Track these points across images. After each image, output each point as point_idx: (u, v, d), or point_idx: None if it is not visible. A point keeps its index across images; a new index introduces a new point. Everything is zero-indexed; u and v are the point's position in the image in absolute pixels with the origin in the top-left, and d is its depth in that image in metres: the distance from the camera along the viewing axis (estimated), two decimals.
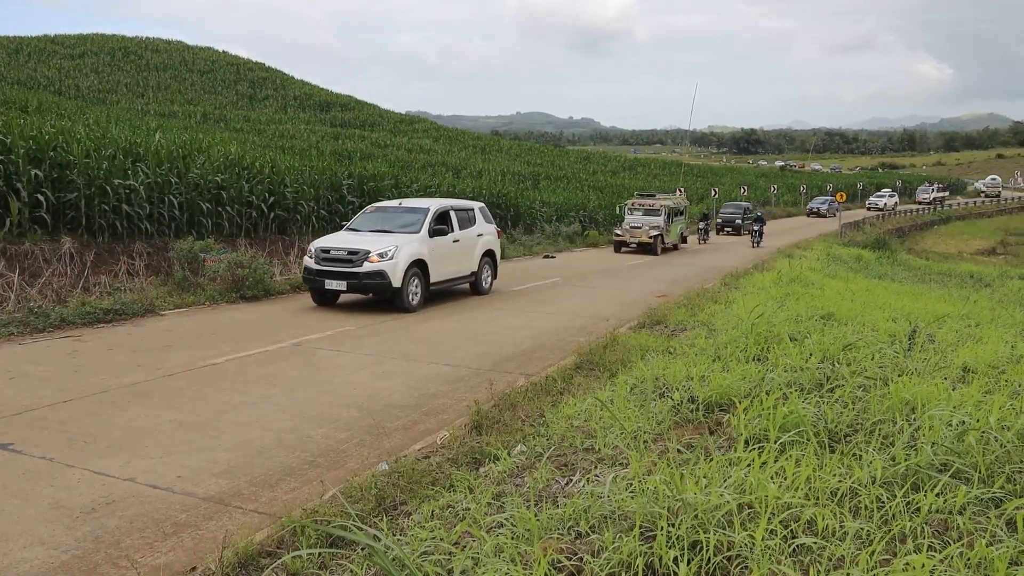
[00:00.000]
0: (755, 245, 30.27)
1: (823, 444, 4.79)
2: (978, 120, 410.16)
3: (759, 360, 7.52)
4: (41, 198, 13.76)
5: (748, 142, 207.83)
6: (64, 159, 14.31)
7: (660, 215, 27.79)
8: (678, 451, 4.76)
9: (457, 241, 14.48)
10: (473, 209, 15.65)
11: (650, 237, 26.91)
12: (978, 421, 4.75)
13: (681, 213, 30.71)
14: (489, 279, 15.78)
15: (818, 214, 57.12)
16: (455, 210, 14.88)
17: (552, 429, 5.94)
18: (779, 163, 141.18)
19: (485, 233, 15.60)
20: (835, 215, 53.33)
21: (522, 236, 27.66)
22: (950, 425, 4.75)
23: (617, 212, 32.13)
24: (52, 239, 13.78)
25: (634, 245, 27.10)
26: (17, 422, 6.75)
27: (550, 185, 45.01)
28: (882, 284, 18.41)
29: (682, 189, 42.57)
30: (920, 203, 71.86)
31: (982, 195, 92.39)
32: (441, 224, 14.12)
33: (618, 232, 27.79)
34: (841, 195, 42.49)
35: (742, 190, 55.38)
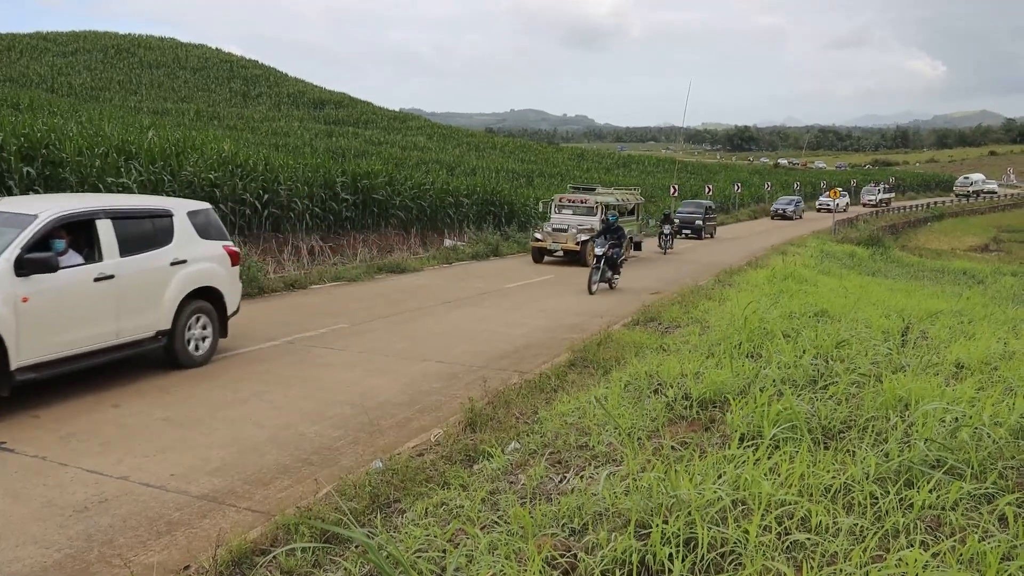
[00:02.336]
0: (594, 286, 15.87)
1: (817, 441, 4.81)
2: (971, 117, 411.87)
3: (753, 357, 7.54)
4: None
5: (742, 139, 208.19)
6: (56, 157, 14.25)
7: (595, 215, 21.88)
8: (672, 448, 4.77)
9: (108, 278, 7.76)
10: (169, 216, 8.77)
11: (577, 243, 21.15)
12: (971, 417, 4.78)
13: (632, 212, 24.69)
14: (208, 338, 9.02)
15: (783, 216, 48.76)
16: (113, 218, 7.98)
17: (546, 426, 5.95)
18: (781, 160, 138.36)
19: (195, 259, 8.84)
20: (801, 217, 49.35)
21: (516, 233, 27.58)
22: (943, 421, 4.77)
23: (540, 209, 25.12)
24: None
25: (560, 254, 21.58)
26: (10, 420, 6.72)
27: (544, 182, 44.95)
28: (875, 281, 18.48)
29: (676, 187, 42.56)
30: (865, 206, 62.67)
31: (969, 195, 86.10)
32: (73, 246, 7.69)
33: (538, 236, 21.86)
34: (835, 191, 42.62)
35: (736, 187, 55.52)
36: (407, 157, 42.67)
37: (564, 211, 22.63)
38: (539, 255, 21.82)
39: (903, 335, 8.30)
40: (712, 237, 34.11)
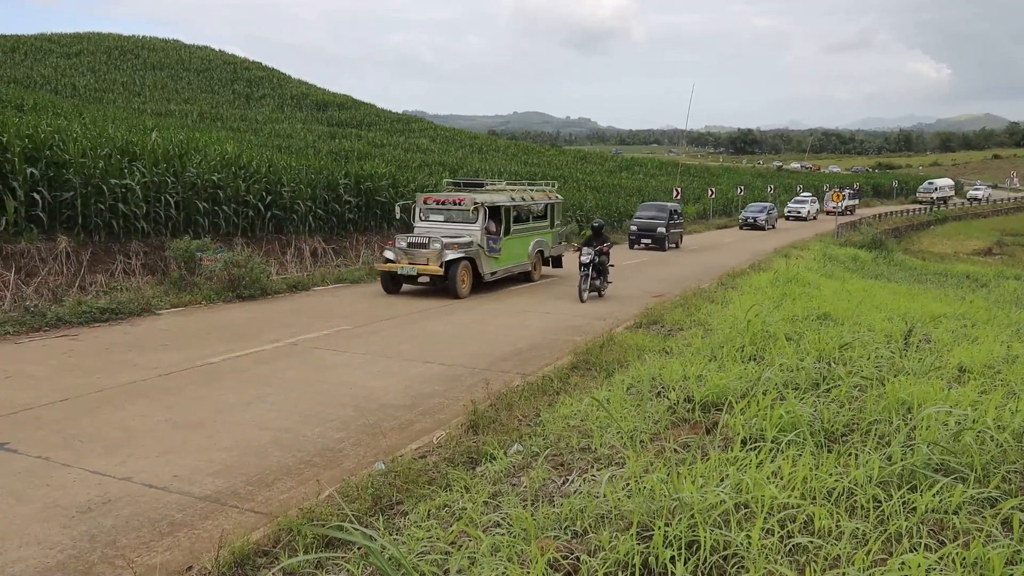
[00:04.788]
0: None
1: (820, 444, 4.80)
2: (974, 120, 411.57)
3: (755, 360, 7.53)
4: (37, 197, 13.72)
5: (744, 142, 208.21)
6: (60, 158, 14.28)
7: (476, 222, 15.64)
8: (675, 451, 4.76)
9: None
10: None
11: (442, 264, 14.71)
12: (974, 421, 4.76)
13: (542, 216, 18.54)
14: None
15: (753, 226, 42.21)
16: None
17: (548, 429, 5.94)
18: (794, 164, 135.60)
19: None
20: (774, 226, 44.12)
21: None
22: (946, 425, 4.76)
23: (398, 216, 17.32)
24: (48, 238, 13.75)
25: (424, 280, 15.50)
26: (13, 421, 6.73)
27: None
28: (879, 284, 18.44)
29: (679, 190, 42.45)
30: (829, 213, 54.72)
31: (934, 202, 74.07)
32: None
33: (388, 255, 15.15)
34: (837, 195, 42.56)
35: (738, 190, 55.48)
36: (410, 159, 42.66)
37: (432, 217, 16.15)
38: (391, 283, 15.27)
39: (906, 338, 8.28)
40: (677, 247, 29.04)
